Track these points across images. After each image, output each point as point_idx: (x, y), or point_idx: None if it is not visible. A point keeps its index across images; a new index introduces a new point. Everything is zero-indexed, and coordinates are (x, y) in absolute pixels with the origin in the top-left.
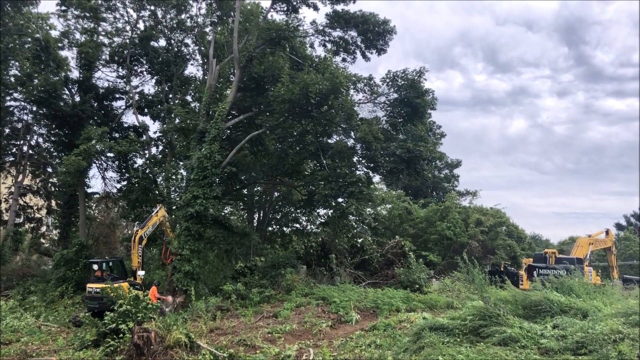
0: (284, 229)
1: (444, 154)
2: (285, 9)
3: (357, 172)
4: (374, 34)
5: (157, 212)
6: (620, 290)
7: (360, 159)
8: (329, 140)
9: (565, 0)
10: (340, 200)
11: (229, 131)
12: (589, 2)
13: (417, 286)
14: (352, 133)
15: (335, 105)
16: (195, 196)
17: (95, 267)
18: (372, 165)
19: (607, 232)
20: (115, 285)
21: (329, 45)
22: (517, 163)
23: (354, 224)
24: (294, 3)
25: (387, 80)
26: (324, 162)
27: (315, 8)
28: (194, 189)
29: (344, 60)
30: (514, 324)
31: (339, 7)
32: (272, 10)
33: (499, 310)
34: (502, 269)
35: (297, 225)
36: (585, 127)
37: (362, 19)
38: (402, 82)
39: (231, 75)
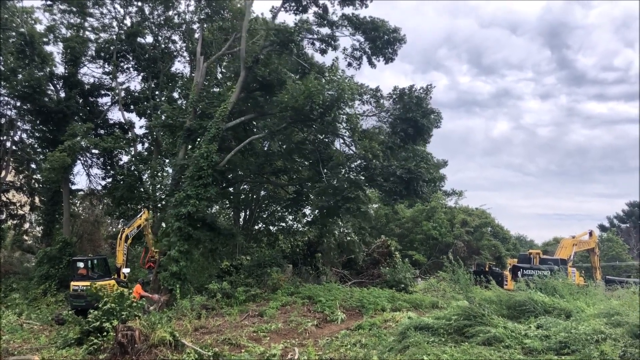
0: (271, 227)
1: (430, 154)
2: (295, 8)
3: (357, 190)
4: (382, 41)
5: (141, 215)
6: (602, 291)
7: (360, 175)
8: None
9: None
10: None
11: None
12: (572, 6)
13: (403, 286)
14: (354, 146)
15: (338, 117)
16: (188, 195)
17: (80, 264)
18: (370, 183)
19: (590, 234)
20: (102, 283)
21: (335, 53)
22: (502, 164)
23: (340, 222)
24: (304, 3)
25: (394, 96)
26: (324, 173)
27: (325, 10)
28: (188, 187)
29: (349, 65)
30: (498, 324)
31: (348, 11)
32: (282, 9)
33: (484, 310)
34: (487, 269)
35: (284, 224)
36: (568, 129)
37: (371, 25)
38: (408, 99)
39: (219, 74)
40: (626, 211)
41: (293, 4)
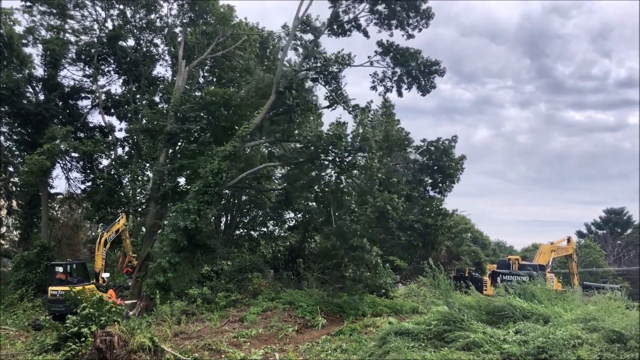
0: (252, 232)
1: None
2: (339, 32)
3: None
4: (422, 73)
5: (119, 220)
6: (580, 296)
7: (375, 227)
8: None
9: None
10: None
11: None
12: (550, 16)
13: (384, 291)
14: (370, 198)
15: (359, 163)
16: (189, 210)
17: (59, 269)
18: (385, 234)
19: (568, 240)
20: (81, 287)
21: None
22: (483, 171)
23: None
24: (346, 27)
25: (422, 148)
26: (334, 215)
27: (366, 34)
28: (192, 201)
29: (373, 88)
30: (477, 329)
31: (385, 37)
32: (325, 32)
33: (463, 315)
34: (466, 275)
35: (265, 229)
36: (548, 137)
37: (410, 55)
38: (435, 150)
39: (201, 78)
40: (603, 218)
41: (338, 29)
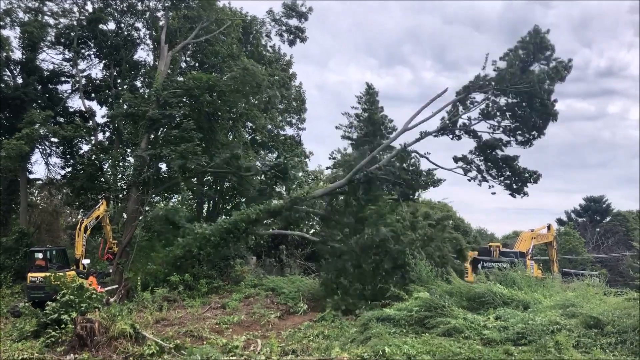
0: None
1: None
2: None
3: None
4: (514, 177)
5: (99, 206)
6: (559, 283)
7: None
8: None
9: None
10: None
11: None
12: (532, 5)
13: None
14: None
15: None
16: (209, 239)
17: (39, 255)
18: None
19: (548, 227)
20: (60, 274)
21: None
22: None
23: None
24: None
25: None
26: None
27: (477, 137)
28: (216, 233)
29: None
30: (458, 315)
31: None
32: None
33: (444, 302)
34: None
35: None
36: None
37: (507, 161)
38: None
39: (183, 63)
40: (583, 206)
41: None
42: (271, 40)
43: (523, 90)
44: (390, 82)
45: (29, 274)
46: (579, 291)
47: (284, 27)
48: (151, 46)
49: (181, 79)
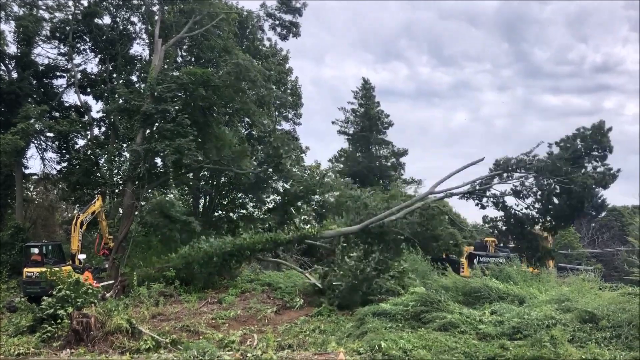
0: (231, 214)
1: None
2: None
3: None
4: None
5: (94, 202)
6: (554, 278)
7: None
8: None
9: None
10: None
11: None
12: (528, 1)
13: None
14: None
15: None
16: (201, 251)
17: (34, 250)
18: None
19: None
20: (56, 269)
21: None
22: (460, 155)
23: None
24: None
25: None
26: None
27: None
28: (219, 251)
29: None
30: (454, 310)
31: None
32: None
33: (440, 296)
34: (444, 257)
35: (244, 211)
36: (524, 121)
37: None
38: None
39: (179, 58)
40: None
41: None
42: (265, 33)
43: (565, 183)
44: (386, 77)
45: (25, 269)
46: (574, 286)
47: (277, 22)
48: (147, 41)
49: (177, 73)
